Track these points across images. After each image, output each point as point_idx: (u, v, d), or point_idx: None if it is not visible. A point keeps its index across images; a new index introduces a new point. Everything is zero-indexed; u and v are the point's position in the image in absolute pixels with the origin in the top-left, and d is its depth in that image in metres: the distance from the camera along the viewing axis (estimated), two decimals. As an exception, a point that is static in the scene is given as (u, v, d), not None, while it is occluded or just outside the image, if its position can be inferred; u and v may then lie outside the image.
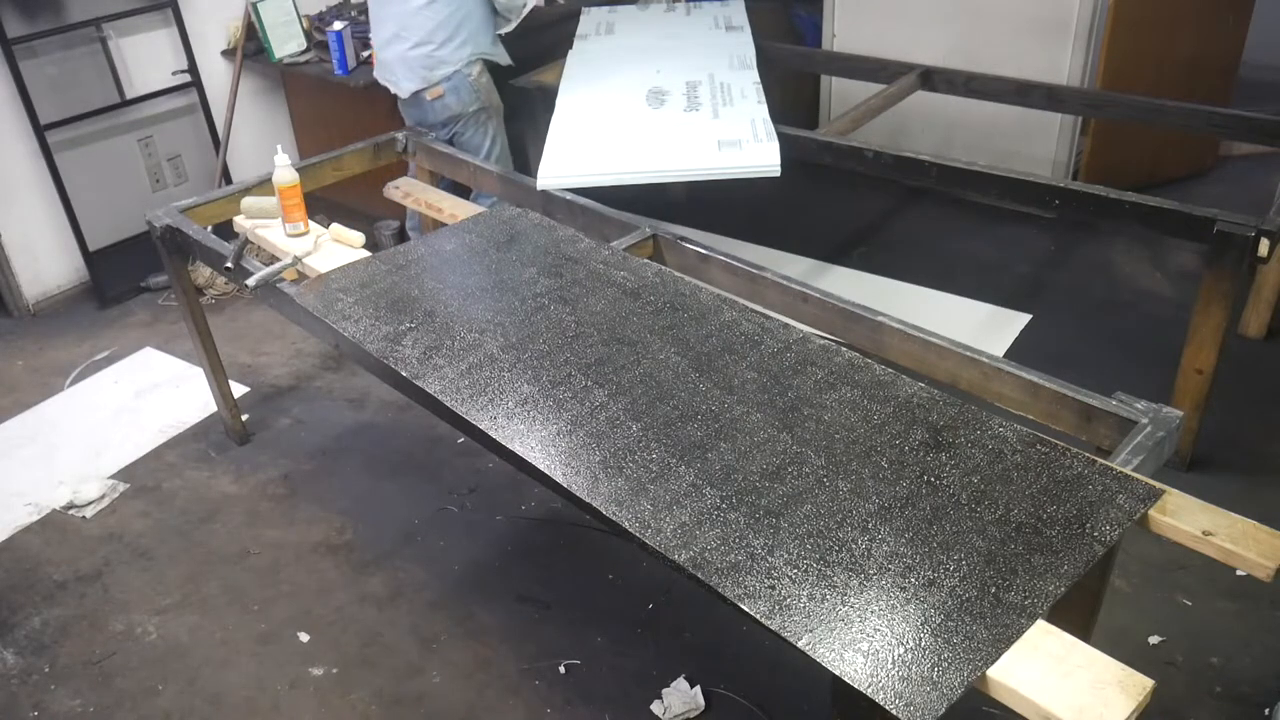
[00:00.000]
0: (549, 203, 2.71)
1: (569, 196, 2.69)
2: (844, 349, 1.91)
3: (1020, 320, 3.41)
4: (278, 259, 2.42)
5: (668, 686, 2.19)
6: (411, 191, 3.05)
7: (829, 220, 4.19)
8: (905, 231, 4.11)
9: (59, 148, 3.65)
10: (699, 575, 1.43)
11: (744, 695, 2.18)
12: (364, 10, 4.10)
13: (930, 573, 1.40)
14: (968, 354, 1.93)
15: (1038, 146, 3.97)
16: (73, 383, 3.42)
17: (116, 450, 3.06)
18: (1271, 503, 2.56)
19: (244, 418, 3.08)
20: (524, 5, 3.25)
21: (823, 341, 1.93)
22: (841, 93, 4.36)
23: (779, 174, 2.73)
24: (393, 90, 3.28)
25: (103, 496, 2.86)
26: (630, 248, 2.40)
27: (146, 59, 3.86)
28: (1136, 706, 1.22)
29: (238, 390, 3.22)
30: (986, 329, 3.38)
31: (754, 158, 2.76)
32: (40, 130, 3.57)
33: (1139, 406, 1.74)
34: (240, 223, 2.63)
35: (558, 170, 2.75)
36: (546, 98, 3.37)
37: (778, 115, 3.02)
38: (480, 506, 2.76)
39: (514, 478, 2.70)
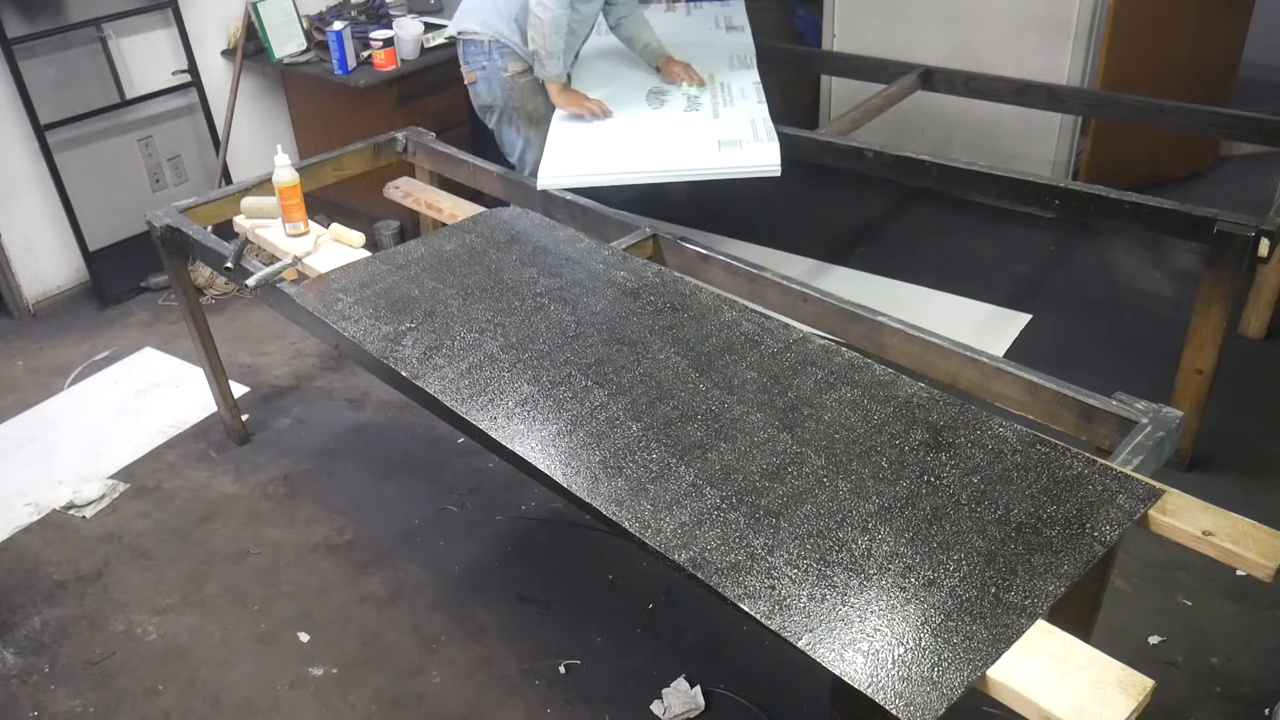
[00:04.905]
0: (549, 203, 2.71)
1: (569, 196, 2.69)
2: (844, 349, 1.91)
3: (1020, 320, 3.41)
4: (278, 259, 2.42)
5: (668, 686, 2.19)
6: (411, 192, 3.05)
7: (829, 220, 4.19)
8: (905, 231, 4.12)
9: (59, 148, 3.65)
10: (699, 575, 1.43)
11: (744, 695, 2.18)
12: (364, 10, 4.12)
13: (930, 573, 1.40)
14: (968, 354, 1.93)
15: (1038, 146, 3.97)
16: (73, 383, 3.42)
17: (116, 450, 3.06)
18: (1271, 503, 2.56)
19: (244, 418, 3.08)
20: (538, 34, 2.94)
21: (823, 341, 1.93)
22: (841, 93, 4.36)
23: (779, 174, 2.73)
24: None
25: (103, 496, 2.86)
26: (630, 248, 2.40)
27: (146, 59, 3.86)
28: (1136, 706, 1.22)
29: (238, 390, 3.22)
30: (986, 329, 3.38)
31: (754, 158, 2.76)
32: (40, 130, 3.57)
33: (1139, 406, 1.74)
34: (240, 223, 2.63)
35: (558, 170, 2.75)
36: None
37: (778, 115, 3.02)
38: (480, 506, 2.76)
39: (514, 478, 2.70)
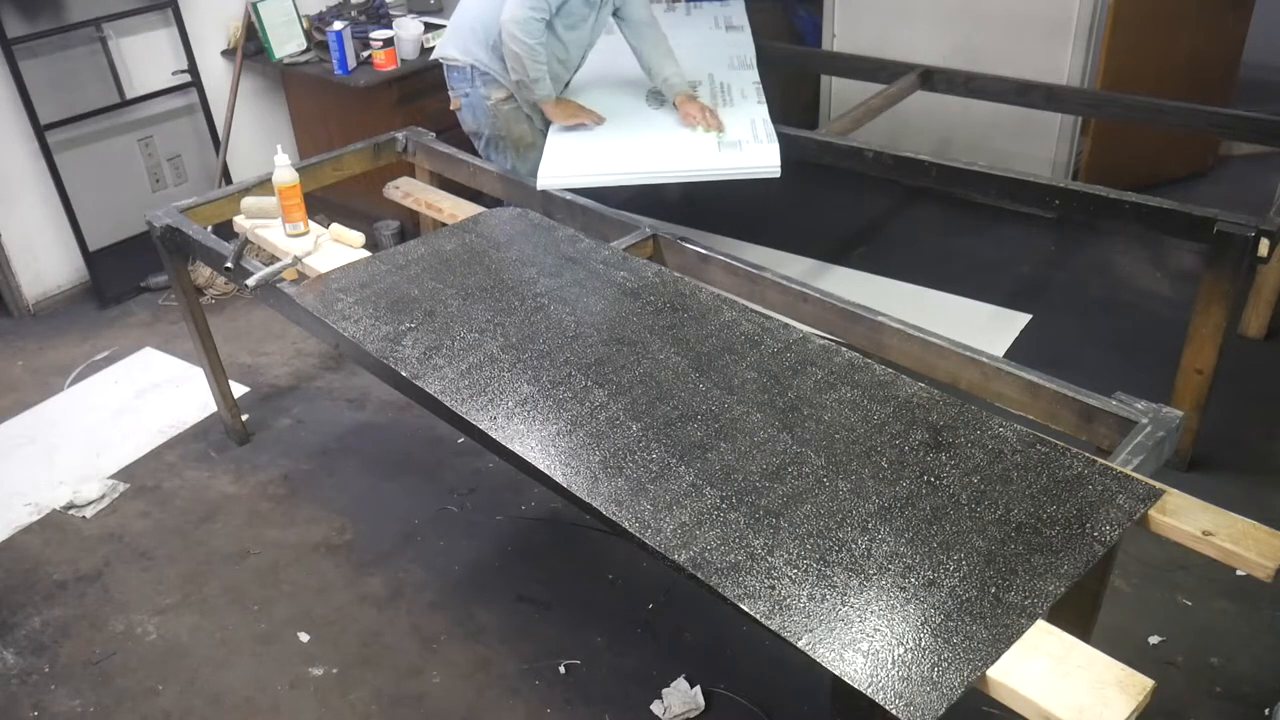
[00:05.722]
0: (549, 203, 2.71)
1: (569, 196, 2.69)
2: (844, 349, 1.91)
3: (1020, 320, 3.41)
4: (278, 259, 2.42)
5: (668, 686, 2.19)
6: (411, 192, 3.05)
7: (829, 220, 4.19)
8: (905, 231, 4.11)
9: (59, 148, 3.65)
10: (699, 575, 1.43)
11: (744, 695, 2.18)
12: (364, 10, 4.12)
13: (930, 573, 1.40)
14: (968, 354, 1.93)
15: (1038, 146, 3.97)
16: (73, 383, 3.42)
17: (116, 450, 3.06)
18: (1271, 503, 2.57)
19: (244, 418, 3.08)
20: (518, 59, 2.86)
21: (823, 341, 1.93)
22: (841, 93, 4.36)
23: (779, 175, 2.73)
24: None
25: (103, 496, 2.86)
26: (630, 248, 2.40)
27: (146, 59, 3.86)
28: (1136, 707, 1.22)
29: (238, 390, 3.22)
30: (986, 329, 3.38)
31: (754, 159, 2.76)
32: (40, 130, 3.57)
33: (1139, 406, 1.74)
34: (240, 223, 2.63)
35: (558, 170, 2.75)
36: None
37: (778, 115, 3.02)
38: (480, 506, 2.76)
39: (514, 478, 2.70)
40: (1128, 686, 1.24)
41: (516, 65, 2.87)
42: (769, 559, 1.44)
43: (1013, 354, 3.20)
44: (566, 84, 3.18)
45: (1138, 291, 3.58)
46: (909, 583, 1.39)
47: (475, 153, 3.16)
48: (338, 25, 3.76)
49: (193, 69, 3.95)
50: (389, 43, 3.76)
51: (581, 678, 2.24)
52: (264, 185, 2.72)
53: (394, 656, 2.33)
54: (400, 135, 3.09)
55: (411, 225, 3.89)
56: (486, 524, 2.70)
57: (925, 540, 1.46)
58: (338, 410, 3.21)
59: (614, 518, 1.54)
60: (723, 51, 3.58)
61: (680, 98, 3.07)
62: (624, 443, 1.69)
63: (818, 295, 2.17)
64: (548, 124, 3.06)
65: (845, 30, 4.27)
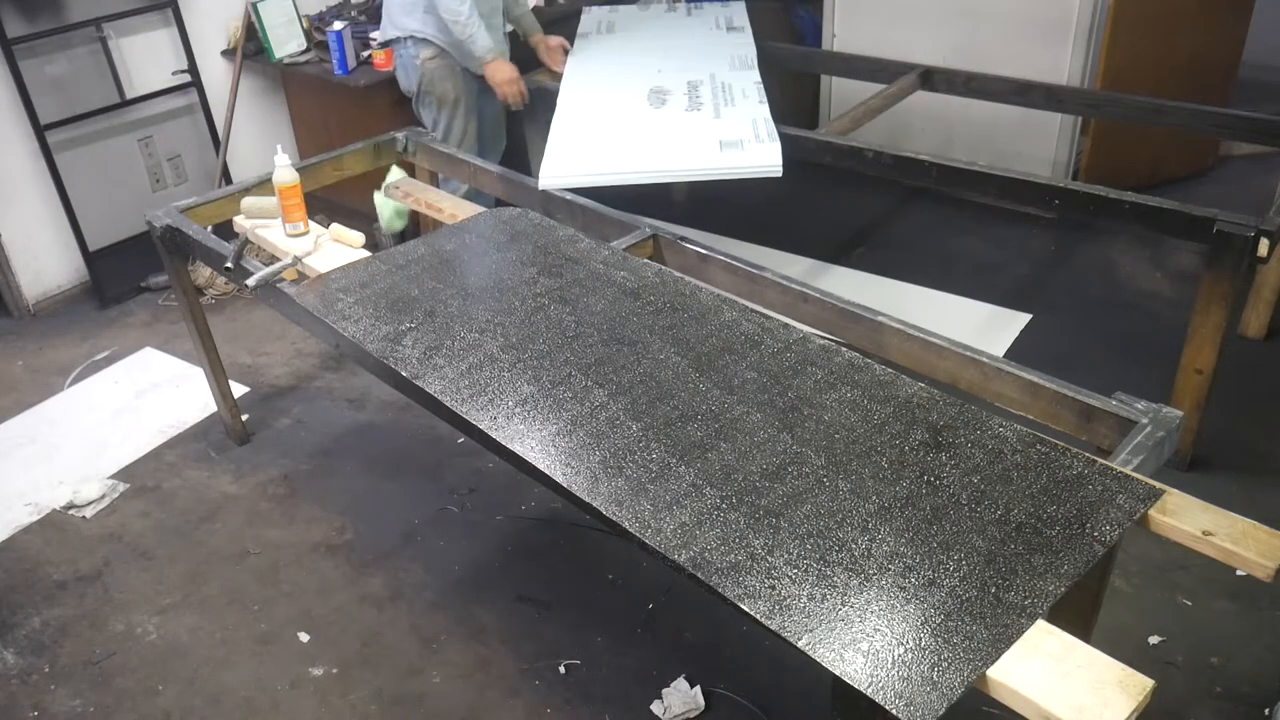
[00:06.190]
0: (549, 203, 2.71)
1: (569, 196, 2.68)
2: (844, 349, 1.91)
3: (1020, 320, 3.41)
4: (278, 259, 2.42)
5: (668, 686, 2.19)
6: (411, 192, 3.05)
7: (829, 220, 4.19)
8: (905, 231, 4.12)
9: (59, 148, 3.65)
10: (699, 575, 1.43)
11: (744, 695, 2.18)
12: (364, 10, 4.12)
13: (930, 573, 1.40)
14: (968, 354, 1.93)
15: (1038, 146, 3.98)
16: (73, 383, 3.42)
17: (116, 450, 3.06)
18: (1271, 503, 2.57)
19: (244, 418, 3.08)
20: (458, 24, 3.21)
21: (823, 341, 1.93)
22: (841, 93, 4.36)
23: (780, 174, 2.73)
24: None
25: (103, 496, 2.86)
26: (630, 248, 2.40)
27: (146, 59, 3.86)
28: (1136, 706, 1.22)
29: (238, 390, 3.22)
30: (986, 329, 3.38)
31: (756, 158, 2.76)
32: (40, 130, 3.57)
33: (1139, 406, 1.74)
34: (240, 223, 2.63)
35: (559, 170, 2.75)
36: (547, 98, 3.37)
37: (778, 115, 3.02)
38: (480, 506, 2.76)
39: (514, 478, 2.70)
40: (1128, 686, 1.24)
41: (455, 30, 3.21)
42: (769, 559, 1.44)
43: (1013, 354, 3.20)
44: (508, 32, 3.54)
45: (1138, 291, 3.58)
46: (909, 583, 1.39)
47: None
48: (338, 25, 3.76)
49: (193, 69, 3.95)
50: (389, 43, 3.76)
51: (581, 678, 2.24)
52: (264, 185, 2.72)
53: (394, 656, 2.33)
54: (400, 135, 3.09)
55: (411, 225, 3.88)
56: (486, 524, 2.70)
57: (925, 540, 1.46)
58: (338, 410, 3.21)
59: (614, 518, 1.54)
60: (724, 52, 3.58)
61: (537, 37, 3.64)
62: (624, 443, 1.69)
63: (818, 295, 2.17)
64: (473, 82, 3.41)
65: (845, 30, 4.27)
